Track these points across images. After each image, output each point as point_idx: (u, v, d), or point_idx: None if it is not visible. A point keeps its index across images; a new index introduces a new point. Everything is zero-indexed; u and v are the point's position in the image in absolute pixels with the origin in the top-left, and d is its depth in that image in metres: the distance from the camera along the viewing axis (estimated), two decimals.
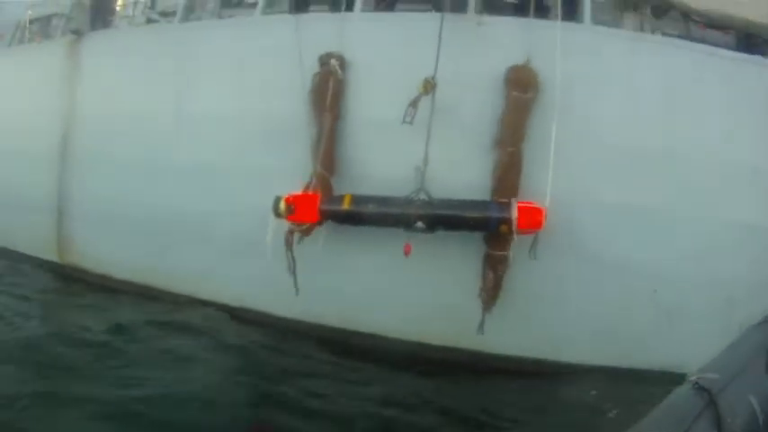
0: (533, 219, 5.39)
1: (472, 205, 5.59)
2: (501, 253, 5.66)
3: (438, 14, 6.01)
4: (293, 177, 5.93)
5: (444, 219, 5.58)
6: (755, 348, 1.77)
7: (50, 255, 8.35)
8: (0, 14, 12.35)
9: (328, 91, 6.01)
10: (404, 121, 5.51)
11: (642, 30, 6.53)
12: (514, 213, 5.34)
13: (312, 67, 6.19)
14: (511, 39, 5.92)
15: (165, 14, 9.50)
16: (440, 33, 5.61)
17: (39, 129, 8.34)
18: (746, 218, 5.62)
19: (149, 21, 9.43)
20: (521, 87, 5.70)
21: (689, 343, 5.36)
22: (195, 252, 6.94)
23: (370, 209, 5.70)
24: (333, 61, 6.09)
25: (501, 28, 6.03)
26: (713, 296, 5.58)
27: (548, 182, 5.40)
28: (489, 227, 5.54)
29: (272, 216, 5.82)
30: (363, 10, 6.58)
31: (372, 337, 6.22)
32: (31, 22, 11.33)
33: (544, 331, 5.84)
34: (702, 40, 6.55)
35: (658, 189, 5.72)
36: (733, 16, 6.34)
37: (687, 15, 6.59)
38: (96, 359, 5.73)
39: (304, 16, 6.72)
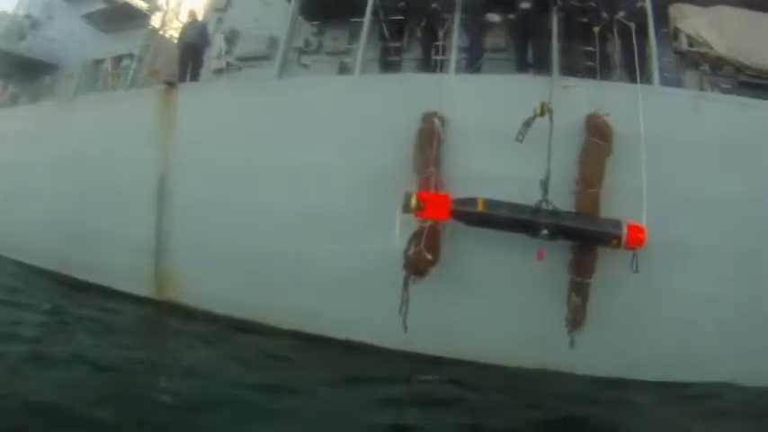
0: (637, 236, 6.12)
1: (590, 220, 6.29)
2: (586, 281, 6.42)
3: (529, 76, 7.09)
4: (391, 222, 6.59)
5: (567, 230, 6.23)
6: None
7: (148, 291, 8.94)
8: (68, 54, 13.03)
9: (432, 145, 6.70)
10: (516, 139, 6.11)
11: (702, 85, 7.39)
12: (625, 231, 6.10)
13: (411, 122, 6.89)
14: (591, 98, 6.71)
15: (242, 59, 10.26)
16: (551, 89, 6.42)
17: (134, 173, 8.94)
18: None
19: (228, 66, 10.16)
20: (600, 135, 6.49)
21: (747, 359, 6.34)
22: (302, 289, 7.57)
23: (503, 213, 6.22)
24: (435, 120, 6.81)
25: (582, 90, 6.81)
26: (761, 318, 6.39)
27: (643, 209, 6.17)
28: (604, 241, 6.21)
29: (399, 213, 6.34)
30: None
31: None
32: (98, 62, 12.03)
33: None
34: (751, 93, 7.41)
35: (717, 229, 6.49)
36: None
37: (739, 70, 7.44)
38: None
39: (403, 76, 7.52)
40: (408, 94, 7.09)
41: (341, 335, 7.42)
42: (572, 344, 6.45)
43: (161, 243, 8.78)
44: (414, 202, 6.30)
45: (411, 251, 6.58)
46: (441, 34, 7.62)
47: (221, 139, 8.24)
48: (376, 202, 6.91)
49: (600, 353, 6.53)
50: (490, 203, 6.27)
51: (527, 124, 6.17)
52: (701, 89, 7.30)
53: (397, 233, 6.35)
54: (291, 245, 7.58)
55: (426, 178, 6.68)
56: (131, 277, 9.11)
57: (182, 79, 9.26)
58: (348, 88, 7.78)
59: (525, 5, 7.57)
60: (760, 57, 7.20)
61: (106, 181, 9.33)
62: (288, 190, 7.66)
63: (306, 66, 9.06)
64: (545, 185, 6.22)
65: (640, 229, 6.16)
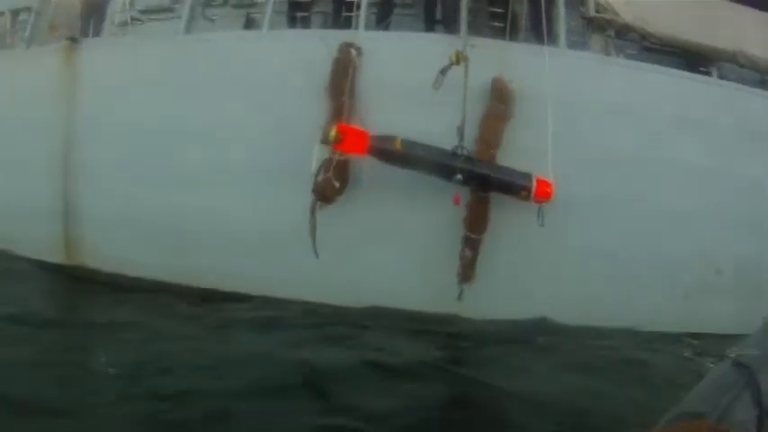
0: (545, 191, 6.33)
1: (503, 170, 6.48)
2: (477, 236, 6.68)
3: (439, 35, 7.21)
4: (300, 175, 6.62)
5: (481, 176, 6.38)
6: None
7: (57, 257, 8.58)
8: None
9: (348, 74, 6.65)
10: (433, 87, 6.20)
11: (607, 50, 7.61)
12: (534, 183, 6.30)
13: (321, 78, 6.84)
14: (499, 59, 6.83)
15: (145, 12, 9.71)
16: (464, 45, 6.52)
17: (38, 135, 8.49)
18: (680, 207, 6.97)
19: (133, 20, 9.62)
20: (502, 100, 6.67)
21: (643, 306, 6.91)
22: (215, 247, 7.51)
23: (420, 153, 6.30)
24: (352, 50, 6.78)
25: (490, 50, 6.88)
26: (654, 269, 6.97)
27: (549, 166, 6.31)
28: (513, 191, 6.40)
29: (316, 145, 6.36)
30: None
31: None
32: None
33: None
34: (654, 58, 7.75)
35: (615, 187, 6.89)
36: (682, 39, 7.54)
37: (644, 37, 7.72)
38: None
39: (312, 32, 7.52)
40: (318, 50, 6.97)
41: (256, 291, 7.41)
42: (460, 296, 6.75)
43: (69, 207, 8.41)
44: (333, 133, 6.25)
45: (320, 177, 6.63)
46: None
47: (128, 97, 7.87)
48: (288, 157, 6.86)
49: (505, 301, 6.83)
50: (407, 143, 6.33)
51: (443, 72, 6.25)
52: (607, 53, 7.55)
53: (314, 166, 6.39)
54: (205, 203, 7.47)
55: (340, 105, 6.67)
56: (40, 244, 8.70)
57: (84, 34, 8.76)
58: (257, 44, 7.62)
59: None
60: (663, 25, 7.51)
61: (7, 145, 8.79)
62: (199, 147, 7.48)
63: (211, 20, 8.74)
64: (461, 132, 6.34)
65: (548, 184, 6.37)
